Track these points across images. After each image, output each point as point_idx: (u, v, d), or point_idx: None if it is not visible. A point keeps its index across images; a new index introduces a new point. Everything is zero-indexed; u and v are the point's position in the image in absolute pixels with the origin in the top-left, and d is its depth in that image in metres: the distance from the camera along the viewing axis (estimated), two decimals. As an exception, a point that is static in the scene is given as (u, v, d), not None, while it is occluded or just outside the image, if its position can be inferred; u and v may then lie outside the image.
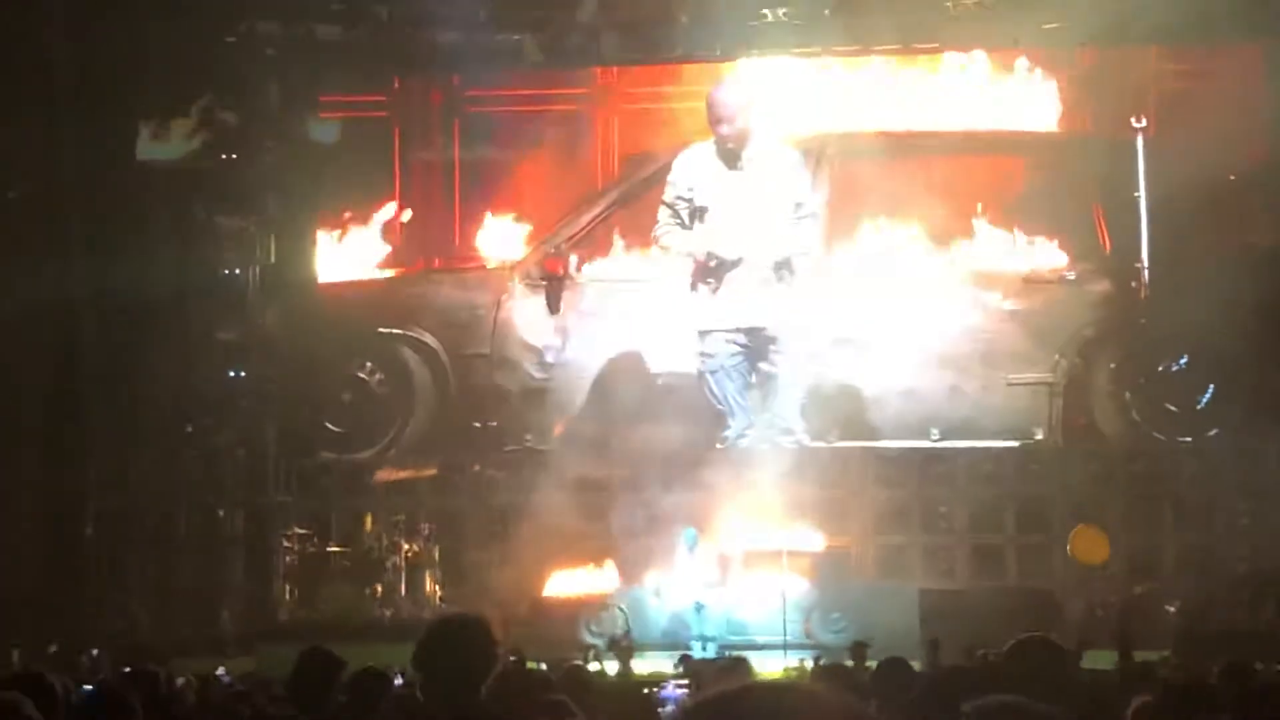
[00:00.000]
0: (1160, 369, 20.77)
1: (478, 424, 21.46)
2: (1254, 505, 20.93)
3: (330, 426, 21.51)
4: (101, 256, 21.48)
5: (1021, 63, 22.39)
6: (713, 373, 20.26)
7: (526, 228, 22.21)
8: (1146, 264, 20.50)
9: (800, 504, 19.94)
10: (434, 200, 22.44)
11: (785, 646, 18.56)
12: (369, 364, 21.47)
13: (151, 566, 22.02)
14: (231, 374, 22.44)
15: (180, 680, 13.24)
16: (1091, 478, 21.09)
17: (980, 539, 21.21)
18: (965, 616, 18.36)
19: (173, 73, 22.10)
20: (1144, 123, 21.00)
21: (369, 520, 22.21)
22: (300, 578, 22.12)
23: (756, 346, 20.15)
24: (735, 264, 19.83)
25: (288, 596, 22.19)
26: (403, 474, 22.24)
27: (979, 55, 22.31)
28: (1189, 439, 20.62)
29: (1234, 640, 17.41)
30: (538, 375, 21.18)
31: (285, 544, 22.26)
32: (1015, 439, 20.82)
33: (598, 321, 21.05)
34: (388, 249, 22.34)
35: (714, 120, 20.02)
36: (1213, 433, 20.56)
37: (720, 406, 20.34)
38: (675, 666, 16.91)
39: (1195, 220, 19.86)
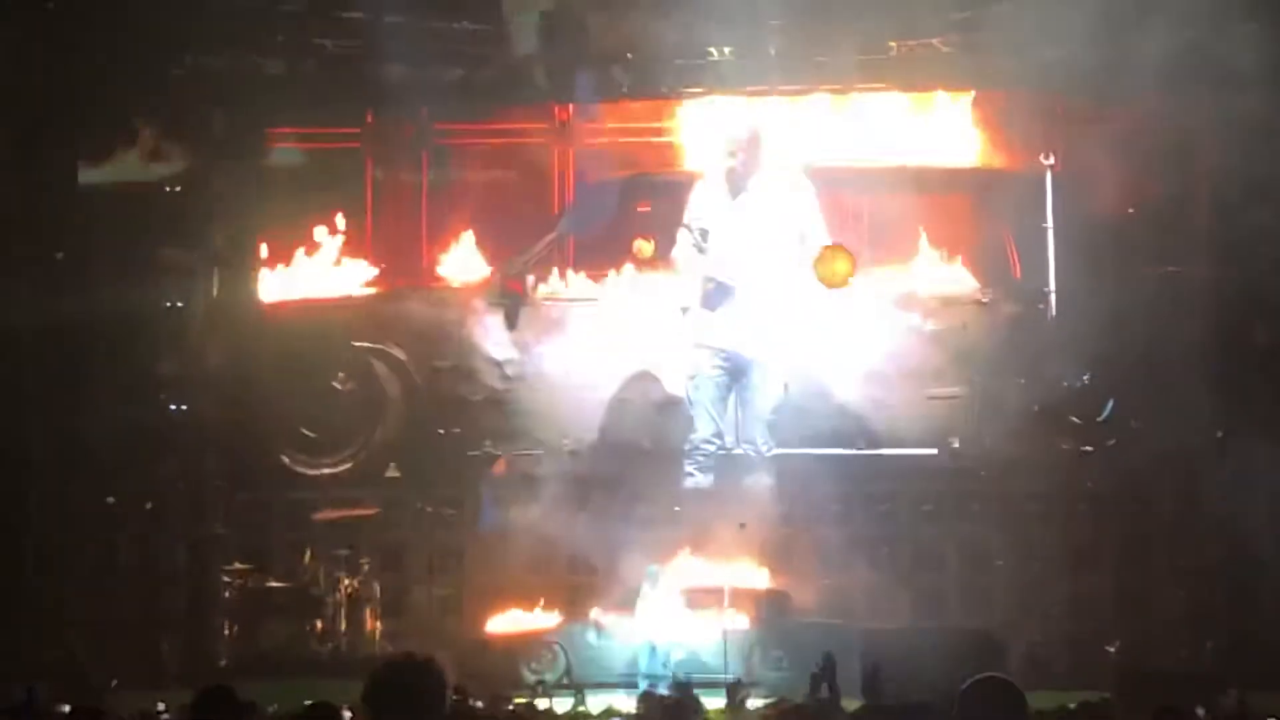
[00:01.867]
0: (1065, 384, 21.82)
1: (442, 431, 22.33)
2: (1193, 545, 21.53)
3: (305, 432, 22.28)
4: (42, 286, 21.38)
5: (944, 101, 23.00)
6: (692, 378, 21.37)
7: (489, 251, 22.99)
8: (1053, 289, 21.88)
9: (744, 541, 20.29)
10: (404, 225, 23.16)
11: (727, 684, 18.54)
12: (343, 375, 22.37)
13: (91, 599, 21.87)
14: (173, 407, 22.41)
15: (120, 716, 13.15)
16: (1032, 517, 21.53)
17: (922, 578, 21.61)
18: (907, 656, 18.40)
19: (117, 103, 22.07)
20: (1052, 159, 22.10)
21: (309, 555, 22.21)
22: (240, 612, 22.06)
23: (738, 365, 21.23)
24: (733, 289, 21.01)
25: (227, 631, 22.11)
26: (345, 511, 22.33)
27: (900, 96, 22.97)
28: (1090, 449, 21.75)
29: (1173, 681, 17.51)
30: (498, 386, 22.12)
31: (225, 578, 22.19)
32: (934, 448, 21.83)
33: (553, 337, 22.05)
34: (360, 270, 22.95)
35: (722, 153, 21.36)
36: (1111, 442, 21.72)
37: (692, 412, 21.39)
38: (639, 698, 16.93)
39: (1098, 249, 20.77)
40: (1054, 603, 21.19)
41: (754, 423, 21.41)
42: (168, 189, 22.41)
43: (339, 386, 22.33)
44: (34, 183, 21.63)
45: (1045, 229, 22.02)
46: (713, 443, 21.32)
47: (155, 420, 22.31)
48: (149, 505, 22.25)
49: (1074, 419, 21.86)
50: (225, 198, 22.45)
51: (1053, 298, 21.97)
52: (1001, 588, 21.26)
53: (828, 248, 20.67)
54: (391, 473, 22.51)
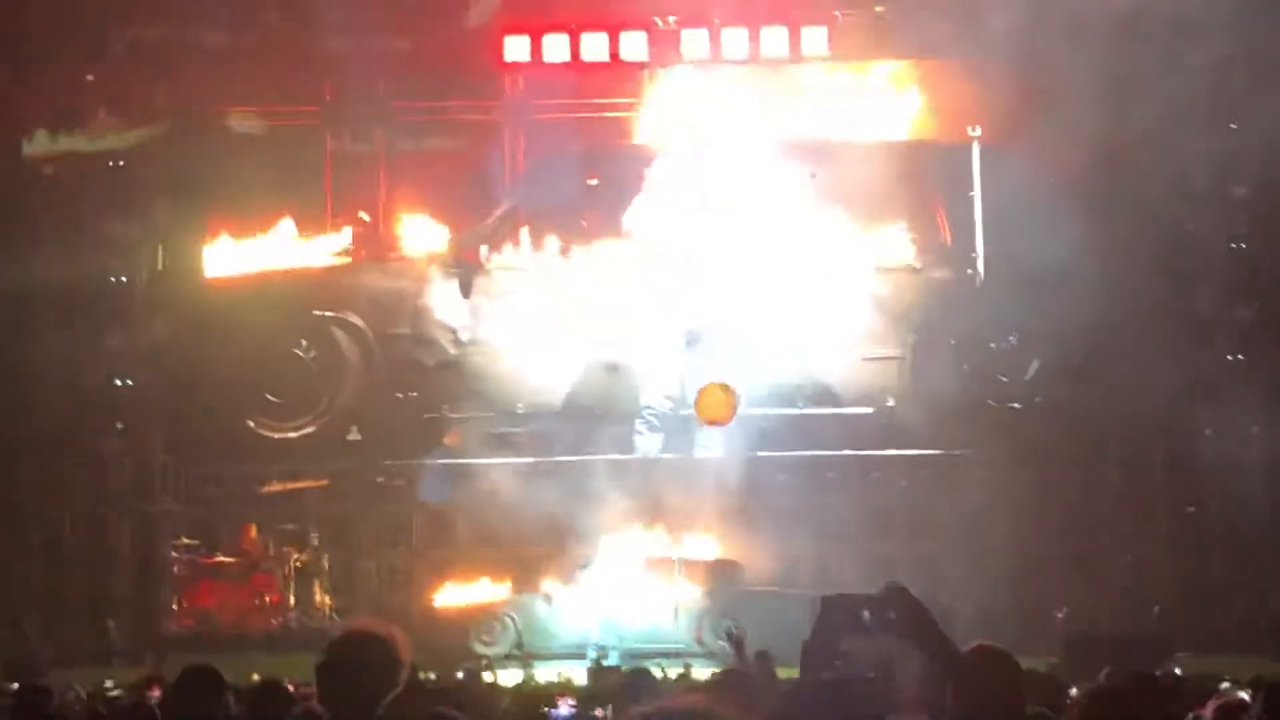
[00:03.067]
0: (993, 345, 22.59)
1: (400, 395, 22.84)
2: (1138, 512, 21.83)
3: (270, 397, 22.69)
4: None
5: (881, 72, 23.26)
6: (645, 342, 22.08)
7: (443, 222, 23.36)
8: (981, 254, 22.62)
9: (696, 511, 20.52)
10: (362, 198, 23.47)
11: (678, 654, 18.60)
12: (305, 342, 22.87)
13: (38, 576, 21.79)
14: (118, 381, 22.34)
15: (70, 694, 13.05)
16: (978, 485, 21.73)
17: (872, 547, 21.79)
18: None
19: (59, 77, 21.94)
20: (980, 130, 22.68)
21: (257, 529, 22.18)
22: (188, 587, 22.02)
23: (691, 329, 21.97)
24: (683, 254, 21.95)
25: (176, 606, 22.05)
26: (293, 484, 22.36)
27: (841, 67, 23.17)
28: (1017, 405, 22.42)
29: (1122, 646, 17.61)
30: (453, 351, 22.75)
31: (173, 554, 22.14)
32: (871, 406, 22.48)
33: (504, 304, 22.62)
34: (320, 241, 23.26)
35: (680, 126, 22.35)
36: (1037, 399, 22.37)
37: (643, 374, 22.18)
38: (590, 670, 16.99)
39: (1025, 216, 21.17)
40: (1000, 568, 21.34)
41: (703, 384, 21.81)
42: (111, 163, 22.33)
43: (301, 354, 22.72)
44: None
45: (973, 197, 22.62)
46: (663, 403, 21.98)
47: (100, 395, 22.23)
48: (95, 481, 22.18)
49: (1001, 378, 22.46)
50: (170, 172, 22.38)
51: (981, 263, 22.58)
52: (946, 552, 21.44)
53: (712, 385, 20.89)
54: (353, 435, 22.74)
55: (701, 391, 20.86)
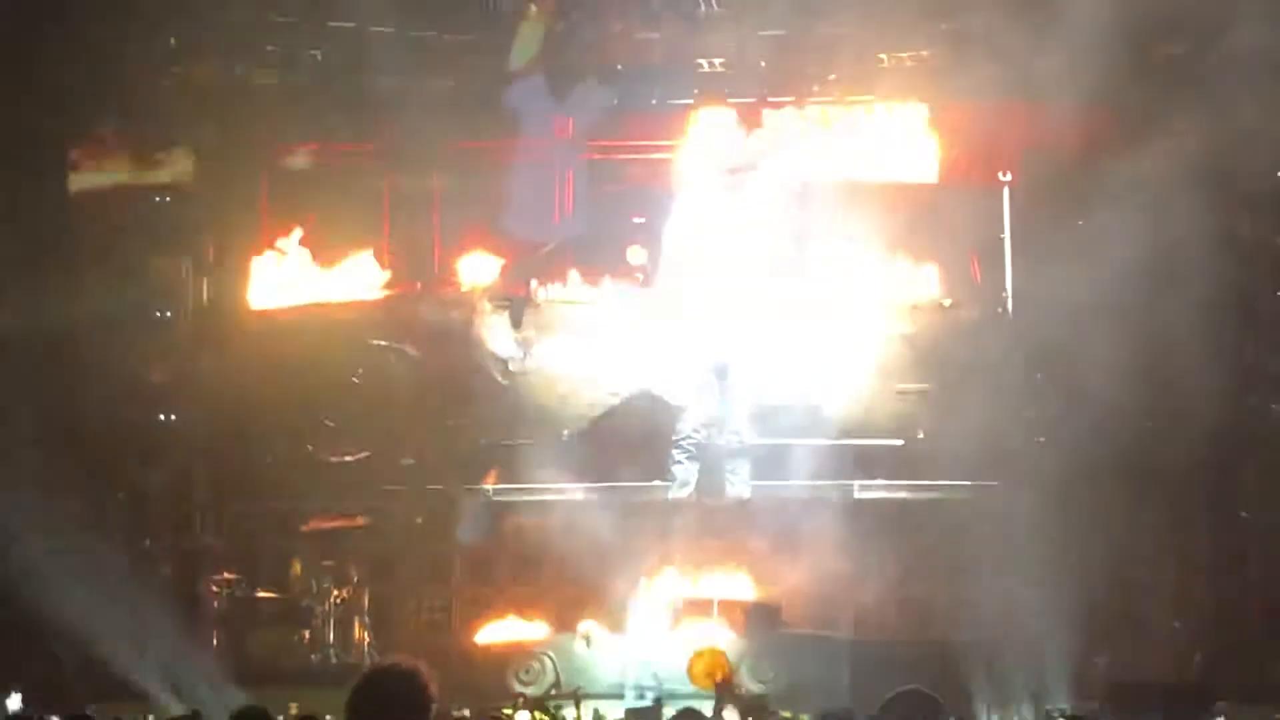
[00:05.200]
0: (1021, 381, 22.67)
1: (451, 423, 23.15)
2: (1178, 557, 21.76)
3: (328, 423, 23.09)
4: (31, 294, 21.38)
5: (918, 115, 23.44)
6: (680, 374, 22.50)
7: (495, 256, 23.75)
8: (1010, 294, 23.14)
9: (733, 552, 20.59)
10: (417, 232, 23.87)
11: (716, 696, 18.55)
12: (361, 370, 23.24)
13: (77, 609, 21.82)
14: (161, 416, 22.43)
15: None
16: (1008, 521, 21.74)
17: (910, 591, 21.78)
18: (895, 668, 18.45)
19: (108, 112, 22.09)
20: (1010, 176, 23.08)
21: (298, 565, 22.24)
22: (229, 622, 22.07)
23: (721, 363, 22.42)
24: (720, 288, 22.31)
25: (215, 642, 22.10)
26: (335, 522, 22.46)
27: (877, 109, 23.52)
28: (1043, 439, 22.51)
29: (1163, 694, 17.55)
30: (503, 381, 23.12)
31: (214, 588, 22.20)
32: (902, 438, 22.84)
33: (553, 336, 23.08)
34: (379, 274, 23.74)
35: (719, 165, 22.74)
36: (1062, 435, 22.26)
37: (680, 405, 22.49)
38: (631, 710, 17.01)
39: (1054, 258, 21.31)
40: (1038, 613, 21.29)
41: (736, 415, 22.39)
42: (157, 198, 22.49)
43: (357, 381, 23.15)
44: (24, 191, 21.63)
45: (1003, 239, 23.02)
46: (699, 433, 22.38)
47: (144, 429, 22.32)
48: (136, 515, 22.25)
49: (1029, 414, 22.62)
50: (216, 207, 22.55)
51: (1009, 302, 23.09)
52: (979, 592, 21.43)
53: (707, 649, 20.41)
54: (406, 460, 23.00)
55: (692, 658, 19.86)
